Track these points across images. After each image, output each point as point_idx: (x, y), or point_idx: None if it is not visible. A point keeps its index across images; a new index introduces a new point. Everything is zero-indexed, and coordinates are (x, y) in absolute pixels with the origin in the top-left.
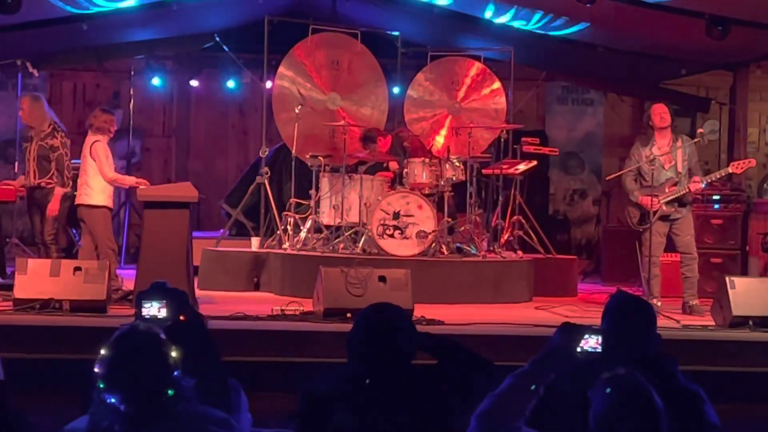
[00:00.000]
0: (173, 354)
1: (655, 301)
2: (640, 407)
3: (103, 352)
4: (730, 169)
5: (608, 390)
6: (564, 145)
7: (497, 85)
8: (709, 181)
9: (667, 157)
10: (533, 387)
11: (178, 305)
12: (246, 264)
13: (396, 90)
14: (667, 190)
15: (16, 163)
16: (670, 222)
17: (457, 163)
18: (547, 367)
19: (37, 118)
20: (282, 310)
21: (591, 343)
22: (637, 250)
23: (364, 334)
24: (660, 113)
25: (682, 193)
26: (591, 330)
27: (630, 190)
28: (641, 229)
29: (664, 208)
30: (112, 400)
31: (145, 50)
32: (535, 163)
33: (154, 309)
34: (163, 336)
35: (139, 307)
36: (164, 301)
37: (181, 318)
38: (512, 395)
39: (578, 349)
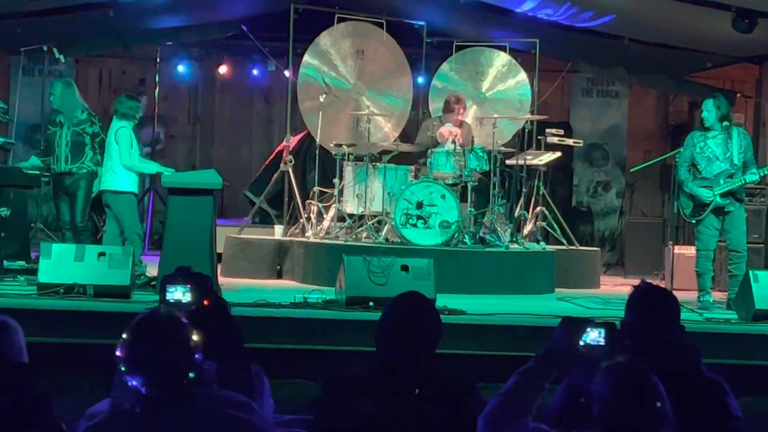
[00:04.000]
0: (195, 338)
1: (703, 296)
2: (640, 388)
3: (124, 335)
4: None
5: (608, 375)
6: (588, 137)
7: (522, 75)
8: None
9: (722, 149)
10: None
11: (202, 290)
12: (269, 252)
13: (420, 80)
14: (722, 182)
15: (42, 149)
16: (723, 216)
17: (481, 154)
18: (550, 363)
19: (69, 104)
20: (305, 298)
21: (593, 336)
22: (660, 243)
23: (395, 322)
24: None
25: (737, 185)
26: (593, 323)
27: (683, 180)
28: (693, 221)
29: (718, 200)
30: (134, 383)
31: (171, 37)
32: (559, 154)
33: (178, 293)
34: (184, 320)
35: (163, 291)
36: (188, 286)
37: (205, 303)
38: (518, 393)
39: (581, 343)
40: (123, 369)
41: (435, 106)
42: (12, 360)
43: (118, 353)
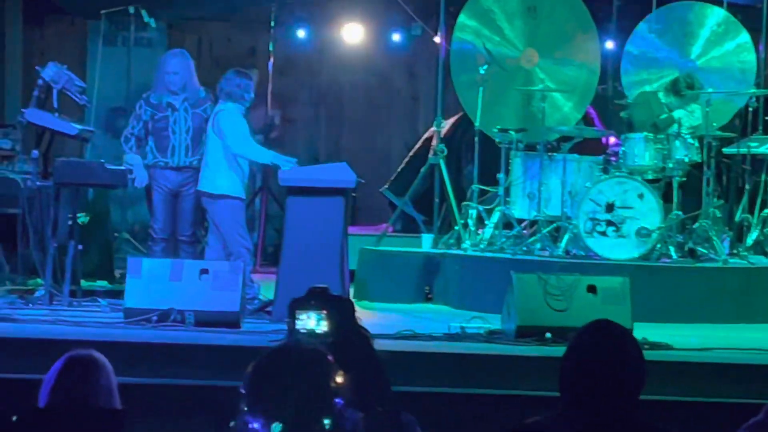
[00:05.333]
0: (338, 379)
1: None
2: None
3: (250, 368)
4: None
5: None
6: None
7: (745, 37)
8: None
9: None
10: None
11: (341, 318)
12: (415, 268)
13: (610, 45)
14: None
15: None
16: None
17: (691, 140)
18: None
19: (195, 83)
20: (462, 328)
21: None
22: None
23: (583, 361)
24: None
25: None
26: None
27: None
28: None
29: None
30: (255, 426)
31: None
32: None
33: (311, 321)
34: (329, 357)
35: (292, 317)
36: (324, 312)
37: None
38: None
39: None
40: (245, 408)
41: (629, 78)
42: (101, 405)
43: (241, 390)
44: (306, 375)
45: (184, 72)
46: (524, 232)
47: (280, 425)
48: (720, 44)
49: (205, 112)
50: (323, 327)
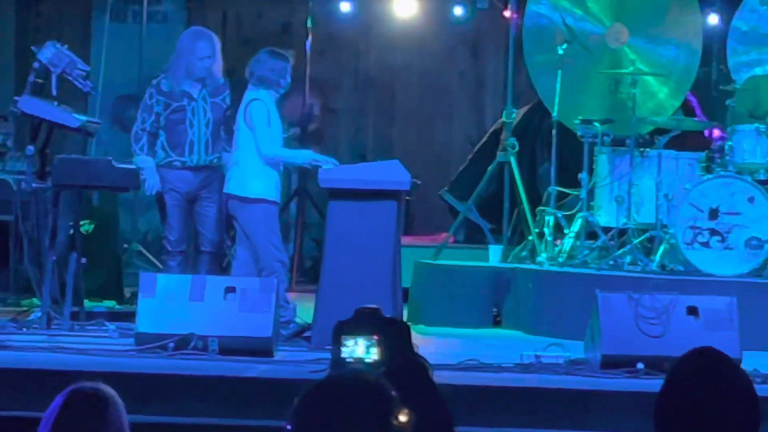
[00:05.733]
0: (402, 417)
1: None
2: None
3: (297, 402)
4: None
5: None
6: None
7: None
8: None
9: None
10: None
11: (394, 344)
12: (481, 286)
13: (714, 19)
14: None
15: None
16: None
17: None
18: None
19: (218, 68)
20: (537, 357)
21: None
22: None
23: (683, 397)
24: None
25: None
26: None
27: None
28: None
29: None
30: None
31: None
32: None
33: (359, 348)
34: (393, 392)
35: (337, 344)
36: (374, 337)
37: (398, 363)
38: None
39: None
40: None
41: (736, 59)
42: None
43: (287, 428)
44: (365, 412)
45: (216, 57)
46: (611, 242)
47: None
48: None
49: (224, 102)
50: (373, 355)
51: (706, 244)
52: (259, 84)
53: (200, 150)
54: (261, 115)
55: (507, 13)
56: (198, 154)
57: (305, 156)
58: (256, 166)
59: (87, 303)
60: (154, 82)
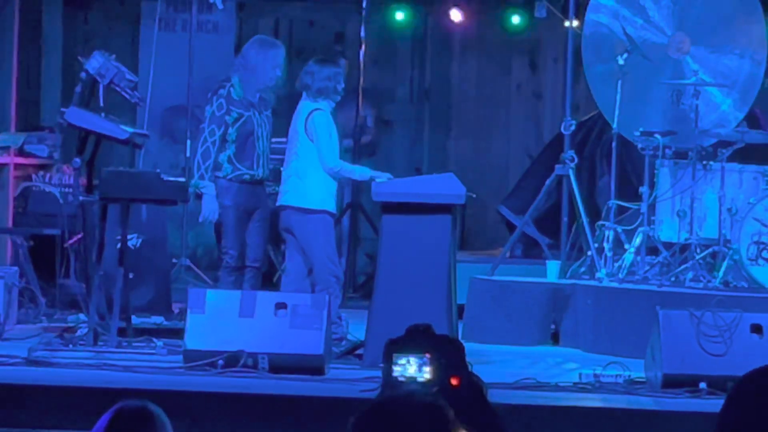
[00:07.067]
0: None
1: None
2: None
3: (352, 423)
4: None
5: None
6: None
7: None
8: None
9: None
10: None
11: (448, 363)
12: (538, 303)
13: None
14: None
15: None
16: None
17: None
18: None
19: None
20: (597, 377)
21: None
22: None
23: (746, 420)
24: None
25: None
26: None
27: None
28: None
29: None
30: None
31: None
32: None
33: (411, 367)
34: (451, 412)
35: (388, 362)
36: (427, 355)
37: (453, 382)
38: None
39: None
40: None
41: None
42: None
43: None
44: None
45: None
46: (672, 258)
47: None
48: None
49: (270, 115)
50: (426, 374)
51: None
52: (318, 95)
53: (265, 163)
54: (323, 126)
55: (567, 23)
56: (263, 168)
57: (364, 173)
58: (318, 177)
59: (134, 319)
60: (221, 92)
